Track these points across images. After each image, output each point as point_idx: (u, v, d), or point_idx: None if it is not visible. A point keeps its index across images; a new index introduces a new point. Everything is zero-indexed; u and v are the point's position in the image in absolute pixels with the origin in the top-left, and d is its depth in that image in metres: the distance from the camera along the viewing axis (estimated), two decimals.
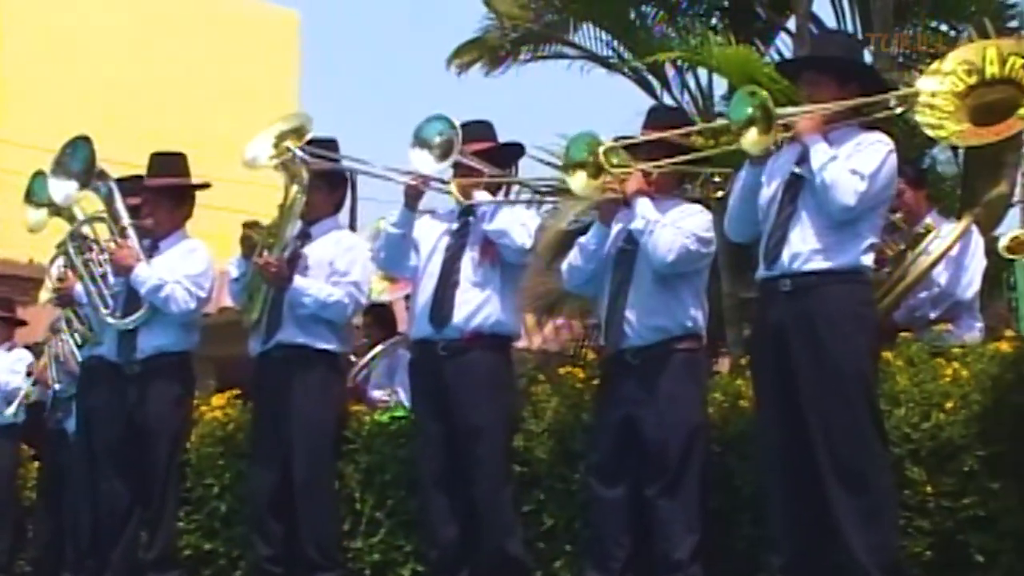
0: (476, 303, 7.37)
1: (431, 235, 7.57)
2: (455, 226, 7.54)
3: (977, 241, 7.79)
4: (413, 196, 7.50)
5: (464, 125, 7.41)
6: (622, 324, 6.95)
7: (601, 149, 6.97)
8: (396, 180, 7.57)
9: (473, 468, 7.26)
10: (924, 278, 7.65)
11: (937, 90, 6.53)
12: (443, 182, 7.56)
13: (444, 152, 7.29)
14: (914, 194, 8.00)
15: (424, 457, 7.47)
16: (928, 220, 7.91)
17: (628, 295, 6.98)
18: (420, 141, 7.33)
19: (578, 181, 6.99)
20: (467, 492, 7.28)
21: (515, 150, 7.86)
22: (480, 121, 7.71)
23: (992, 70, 6.62)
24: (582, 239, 7.26)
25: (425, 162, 7.33)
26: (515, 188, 7.85)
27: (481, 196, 7.50)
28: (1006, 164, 7.61)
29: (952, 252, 7.67)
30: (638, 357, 6.91)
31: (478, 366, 7.33)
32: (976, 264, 7.69)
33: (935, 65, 6.84)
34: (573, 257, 7.27)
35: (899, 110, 6.65)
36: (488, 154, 7.61)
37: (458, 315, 7.34)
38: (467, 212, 7.51)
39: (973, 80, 6.67)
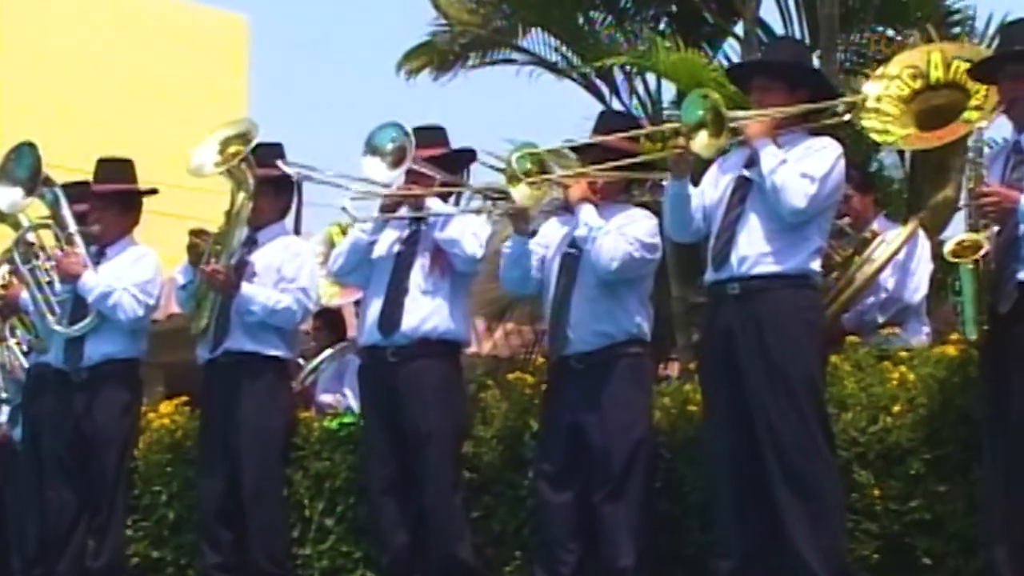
0: (425, 311, 7.35)
1: (383, 242, 7.55)
2: (406, 233, 7.53)
3: (924, 245, 7.84)
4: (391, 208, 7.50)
5: (416, 130, 7.42)
6: (566, 330, 6.96)
7: (542, 149, 6.97)
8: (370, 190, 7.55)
9: (423, 474, 7.26)
10: (871, 283, 7.68)
11: (883, 94, 6.58)
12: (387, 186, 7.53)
13: (397, 159, 7.28)
14: (861, 199, 8.04)
15: (373, 463, 7.46)
16: (875, 225, 7.95)
17: (572, 301, 6.99)
18: (372, 148, 7.32)
19: (520, 191, 6.98)
20: (417, 498, 7.27)
21: (467, 155, 7.85)
22: (433, 127, 7.71)
23: (937, 74, 6.67)
24: (505, 247, 7.26)
25: (378, 170, 7.33)
26: (466, 194, 7.81)
27: (434, 204, 7.48)
28: (951, 168, 7.68)
29: (899, 256, 7.72)
30: (583, 363, 6.92)
31: (427, 373, 7.32)
32: (923, 268, 7.75)
33: (881, 70, 6.89)
34: (501, 264, 7.28)
35: (847, 116, 6.70)
36: (441, 160, 7.60)
37: (407, 322, 7.33)
38: (418, 220, 7.49)
39: (919, 84, 6.72)
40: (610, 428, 6.79)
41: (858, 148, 10.66)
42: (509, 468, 7.40)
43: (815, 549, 6.14)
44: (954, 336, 6.80)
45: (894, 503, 6.43)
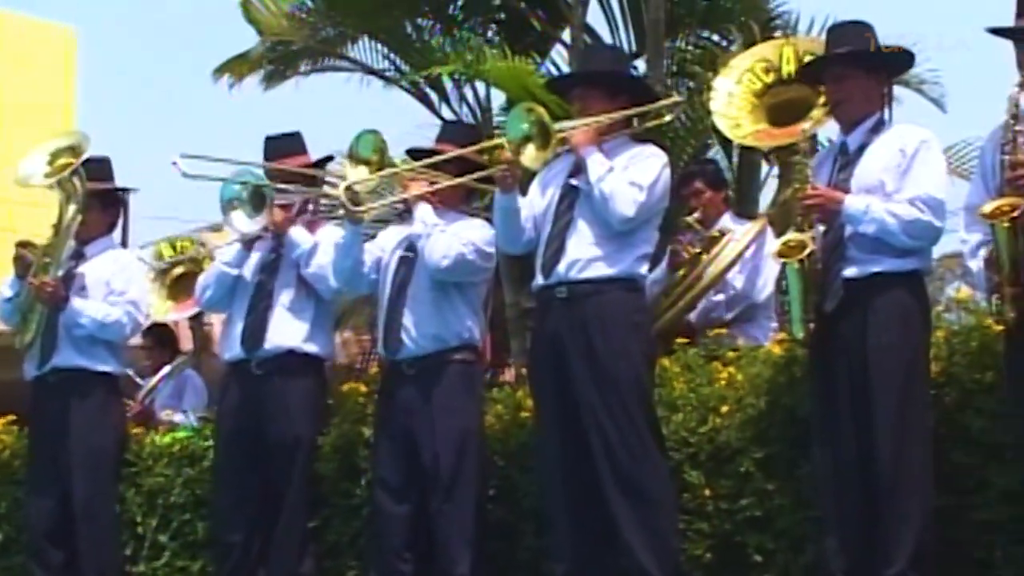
0: (289, 328, 7.34)
1: (248, 262, 7.51)
2: (271, 256, 7.48)
3: (771, 242, 7.90)
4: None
5: (275, 139, 7.47)
6: (399, 333, 6.97)
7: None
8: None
9: (281, 488, 7.25)
10: (719, 281, 7.76)
11: (734, 90, 6.63)
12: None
13: (257, 204, 7.24)
14: (713, 195, 8.10)
15: (227, 476, 7.41)
16: (726, 220, 8.01)
17: (406, 303, 7.00)
18: (228, 206, 7.25)
19: (358, 174, 6.94)
20: (269, 512, 7.25)
21: (327, 163, 7.83)
22: (290, 134, 7.68)
23: (789, 69, 6.74)
24: (338, 238, 7.22)
25: (241, 221, 7.26)
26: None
27: (299, 233, 7.41)
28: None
29: (747, 254, 7.80)
30: (414, 367, 6.92)
31: (292, 387, 7.31)
32: (770, 266, 7.78)
33: (732, 61, 6.93)
34: (333, 256, 7.22)
35: (668, 118, 6.77)
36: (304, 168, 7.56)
37: (271, 338, 7.32)
38: (279, 241, 7.45)
39: (771, 79, 6.78)
40: (439, 433, 6.80)
41: (685, 146, 10.83)
42: (344, 478, 7.39)
43: (648, 550, 6.19)
44: (780, 335, 6.91)
45: (725, 502, 6.51)
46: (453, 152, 7.04)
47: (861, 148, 6.22)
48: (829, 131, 6.45)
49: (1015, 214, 5.63)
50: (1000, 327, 5.86)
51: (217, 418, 7.68)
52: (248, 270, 7.48)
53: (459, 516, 6.75)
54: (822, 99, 6.42)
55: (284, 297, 7.39)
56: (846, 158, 6.24)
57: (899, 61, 6.50)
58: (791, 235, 6.19)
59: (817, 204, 6.12)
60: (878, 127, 6.25)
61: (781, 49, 6.90)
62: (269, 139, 7.59)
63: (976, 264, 5.88)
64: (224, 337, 7.61)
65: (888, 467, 5.87)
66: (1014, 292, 5.67)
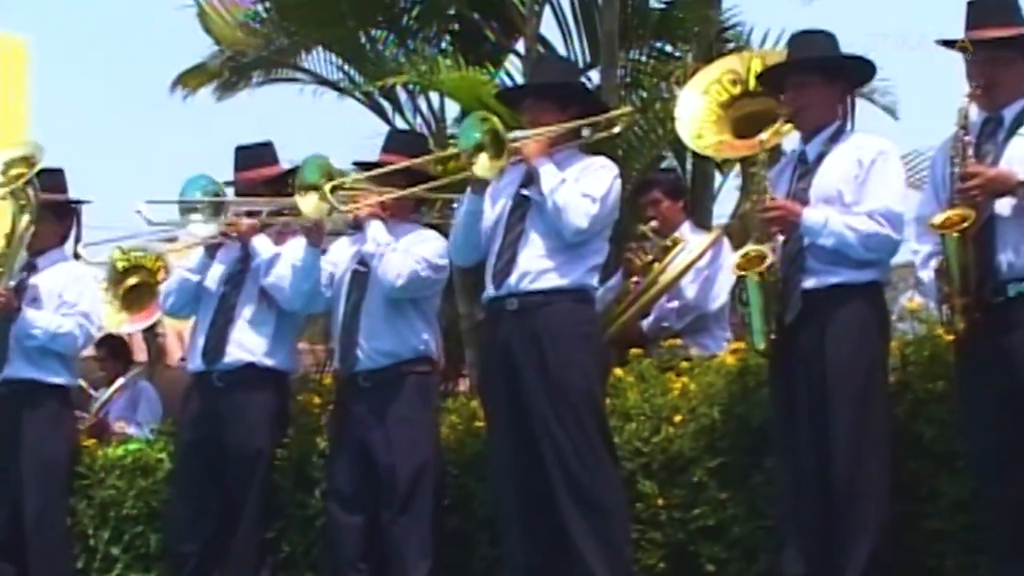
0: (250, 341, 7.33)
1: (212, 272, 7.50)
2: (235, 267, 7.46)
3: (728, 254, 7.91)
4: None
5: (246, 148, 7.51)
6: (354, 347, 6.97)
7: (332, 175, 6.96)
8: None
9: (239, 500, 7.24)
10: (670, 289, 7.77)
11: (700, 100, 6.64)
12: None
13: (214, 210, 7.23)
14: (671, 204, 8.07)
15: (187, 487, 7.39)
16: (684, 229, 7.99)
17: (360, 318, 7.00)
18: (187, 208, 7.26)
19: (308, 202, 6.96)
20: (228, 523, 7.24)
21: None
22: (262, 143, 7.69)
23: (755, 82, 6.75)
24: (296, 260, 7.21)
25: (197, 226, 7.30)
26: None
27: (261, 242, 7.40)
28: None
29: (700, 264, 7.81)
30: (369, 380, 6.93)
31: (253, 400, 7.30)
32: (725, 277, 7.76)
33: (701, 73, 6.92)
34: (291, 278, 7.21)
35: (618, 129, 6.79)
36: (278, 180, 7.54)
37: (231, 351, 7.31)
38: (246, 252, 7.43)
39: (737, 90, 6.79)
40: (396, 446, 6.81)
41: (639, 156, 10.85)
42: (298, 489, 7.38)
43: (601, 560, 6.20)
44: (734, 346, 6.94)
45: (678, 511, 6.53)
46: (404, 163, 7.06)
47: (820, 157, 6.23)
48: (793, 141, 6.46)
49: (965, 225, 5.67)
50: (951, 337, 5.90)
51: (178, 428, 7.67)
52: (213, 281, 7.46)
53: (415, 527, 6.76)
54: (787, 109, 6.44)
55: (246, 310, 7.38)
56: (805, 167, 6.25)
57: (859, 69, 6.47)
58: (750, 246, 6.20)
59: (775, 217, 6.15)
60: (837, 136, 6.27)
61: (749, 61, 6.92)
62: (240, 148, 7.59)
63: (927, 275, 5.92)
64: (190, 347, 7.62)
65: (846, 476, 5.90)
66: (964, 302, 5.71)
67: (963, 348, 5.81)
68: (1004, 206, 5.73)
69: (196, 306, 7.53)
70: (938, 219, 5.74)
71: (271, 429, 7.34)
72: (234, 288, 7.43)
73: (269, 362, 7.35)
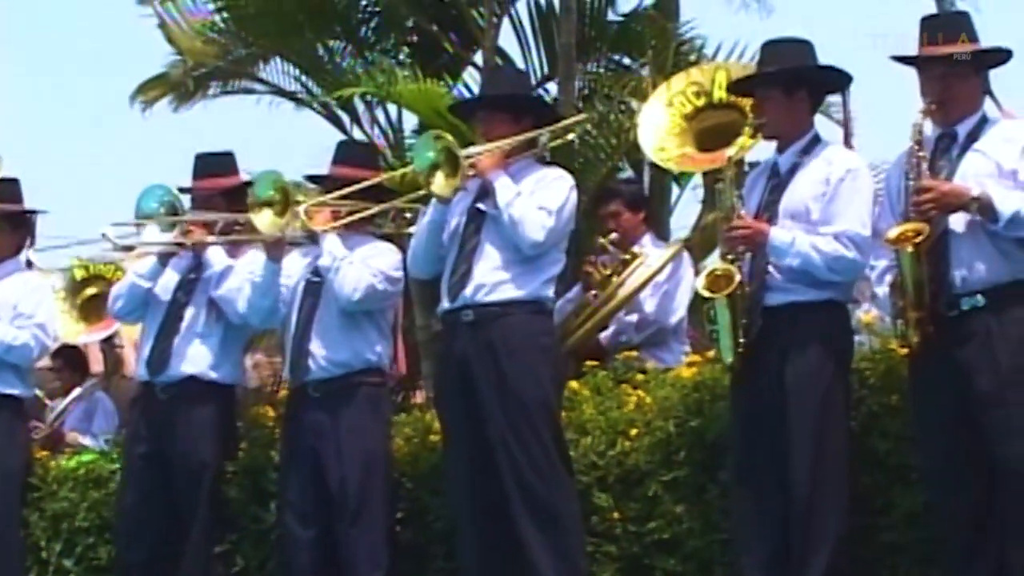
0: (195, 353, 7.31)
1: (163, 281, 7.47)
2: (187, 276, 7.44)
3: (688, 267, 7.92)
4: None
5: (206, 156, 7.48)
6: (306, 357, 6.96)
7: (289, 187, 6.96)
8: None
9: (186, 512, 7.21)
10: (628, 302, 7.76)
11: (663, 115, 6.62)
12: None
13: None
14: (632, 216, 8.03)
15: (134, 495, 7.35)
16: (646, 241, 7.97)
17: (313, 328, 6.99)
18: (144, 216, 7.25)
19: (264, 219, 6.94)
20: (175, 535, 7.20)
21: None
22: (223, 153, 7.67)
23: (720, 94, 6.74)
24: (255, 276, 7.20)
25: (154, 235, 7.29)
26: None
27: (215, 253, 7.38)
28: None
29: (660, 278, 7.80)
30: (319, 390, 6.92)
31: (197, 412, 7.27)
32: (684, 291, 7.81)
33: (664, 85, 6.91)
34: (250, 294, 7.21)
35: (572, 136, 6.78)
36: (236, 190, 7.49)
37: (175, 363, 7.29)
38: (199, 261, 7.41)
39: (702, 102, 6.77)
40: (345, 456, 6.80)
41: (595, 169, 10.85)
42: (253, 502, 7.36)
43: (555, 572, 6.21)
44: (690, 359, 6.96)
45: (633, 525, 6.54)
46: (373, 180, 7.07)
47: (792, 170, 6.23)
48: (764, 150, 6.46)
49: (919, 239, 5.70)
50: (905, 351, 5.92)
51: (124, 439, 7.64)
52: (164, 289, 7.43)
53: (367, 539, 6.75)
54: (748, 125, 6.43)
55: (193, 321, 7.36)
56: (777, 179, 6.25)
57: (831, 79, 6.42)
58: (717, 264, 6.20)
59: (743, 236, 6.14)
60: (809, 148, 6.25)
61: (713, 73, 6.90)
62: (200, 156, 7.56)
63: (882, 289, 5.95)
64: (137, 355, 7.59)
65: (805, 490, 5.92)
66: (918, 316, 5.74)
67: (917, 361, 5.84)
68: (958, 221, 5.77)
69: (144, 312, 7.50)
70: (893, 233, 5.77)
71: (215, 442, 7.30)
72: (184, 297, 7.40)
73: (213, 375, 7.33)
